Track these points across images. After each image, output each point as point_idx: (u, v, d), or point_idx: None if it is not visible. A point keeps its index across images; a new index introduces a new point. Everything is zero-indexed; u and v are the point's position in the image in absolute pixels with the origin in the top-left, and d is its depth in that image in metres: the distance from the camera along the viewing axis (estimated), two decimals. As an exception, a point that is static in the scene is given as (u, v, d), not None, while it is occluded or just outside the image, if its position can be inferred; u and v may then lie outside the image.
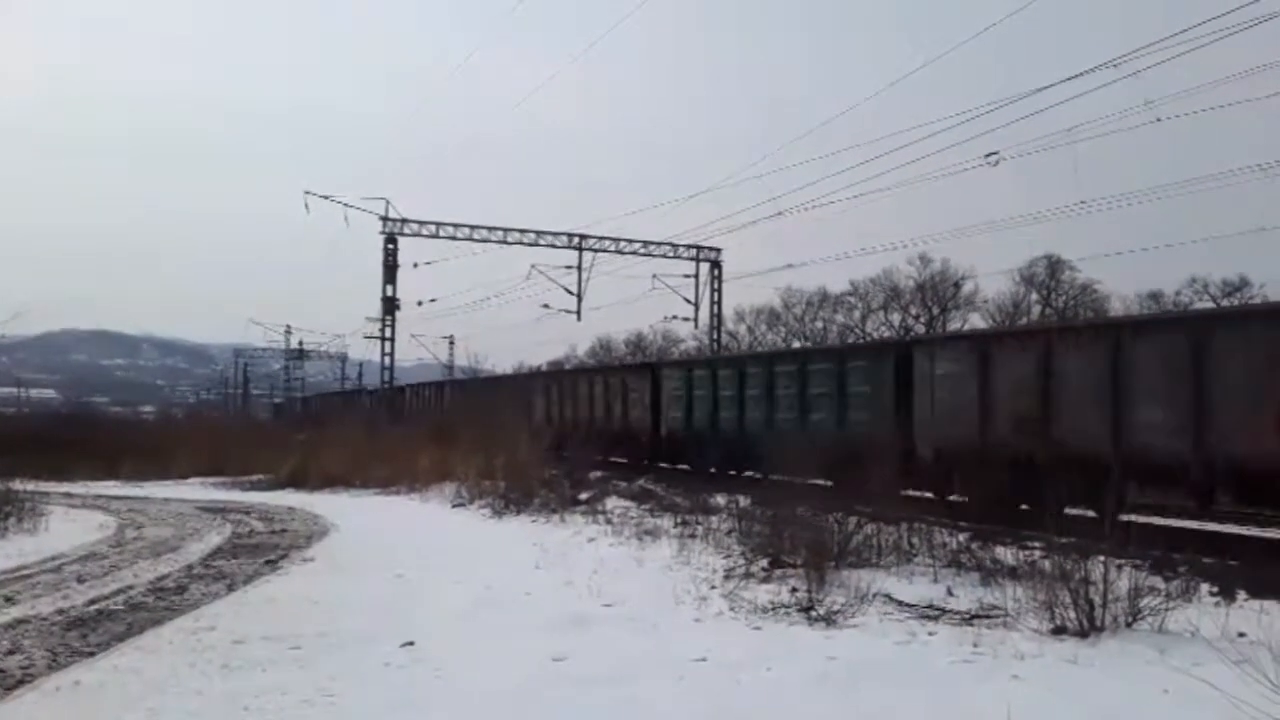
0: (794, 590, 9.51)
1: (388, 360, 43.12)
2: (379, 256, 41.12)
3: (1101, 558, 7.89)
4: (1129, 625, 7.54)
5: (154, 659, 7.99)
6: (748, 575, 10.54)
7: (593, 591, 10.04)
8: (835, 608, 8.68)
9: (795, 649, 7.57)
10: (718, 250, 43.39)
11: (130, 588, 11.51)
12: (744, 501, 15.05)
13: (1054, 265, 57.28)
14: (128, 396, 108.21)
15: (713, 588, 10.02)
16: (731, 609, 9.07)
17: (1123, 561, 8.03)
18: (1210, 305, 47.99)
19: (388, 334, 42.12)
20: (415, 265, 41.39)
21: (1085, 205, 32.62)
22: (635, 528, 14.92)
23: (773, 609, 8.93)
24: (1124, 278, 76.34)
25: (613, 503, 18.74)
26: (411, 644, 8.05)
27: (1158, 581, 8.46)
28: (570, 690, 6.62)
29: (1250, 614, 8.01)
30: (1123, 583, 7.75)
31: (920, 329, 59.17)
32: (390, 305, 41.51)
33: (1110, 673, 6.53)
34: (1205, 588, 9.23)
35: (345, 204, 40.04)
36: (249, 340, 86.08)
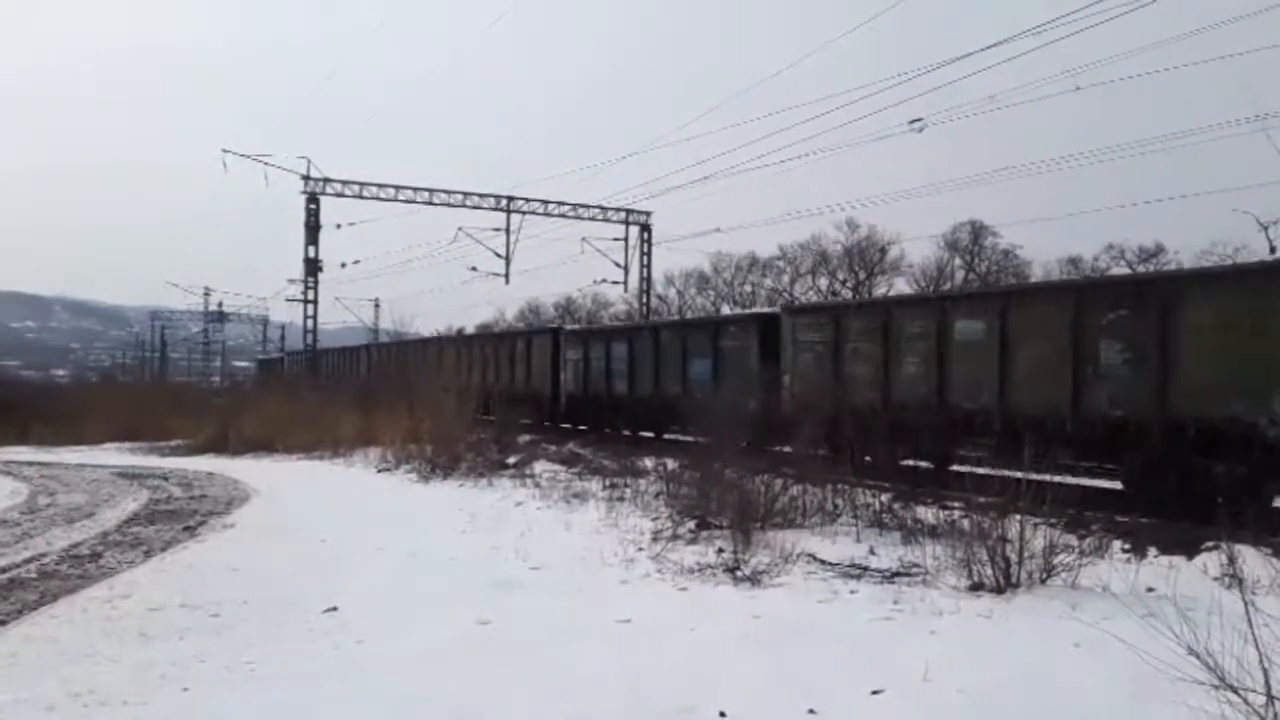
0: (720, 551, 9.58)
1: (310, 323, 42.31)
2: (301, 216, 40.28)
3: (1018, 516, 8.08)
4: (1043, 582, 7.75)
5: (68, 628, 7.82)
6: (675, 537, 10.60)
7: (519, 555, 10.03)
8: (760, 568, 8.78)
9: (720, 609, 7.64)
10: (647, 214, 43.33)
11: (43, 555, 11.22)
12: (671, 464, 15.12)
13: (977, 231, 58.30)
14: (39, 360, 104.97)
15: (640, 549, 10.06)
16: (658, 570, 9.11)
17: (1039, 520, 8.22)
18: (1127, 270, 49.24)
19: (310, 296, 41.31)
20: (339, 226, 40.57)
21: (1007, 172, 33.15)
22: (564, 491, 14.93)
23: (699, 570, 8.99)
24: (1045, 244, 77.76)
25: (541, 466, 18.71)
26: (335, 610, 7.96)
27: (1072, 539, 8.69)
28: (495, 654, 6.61)
29: (1159, 569, 8.28)
30: (1038, 541, 7.94)
31: (847, 294, 59.81)
32: (313, 267, 40.67)
33: (1024, 627, 6.70)
34: (1117, 545, 9.51)
35: (265, 162, 39.05)
36: (166, 303, 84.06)
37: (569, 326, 33.24)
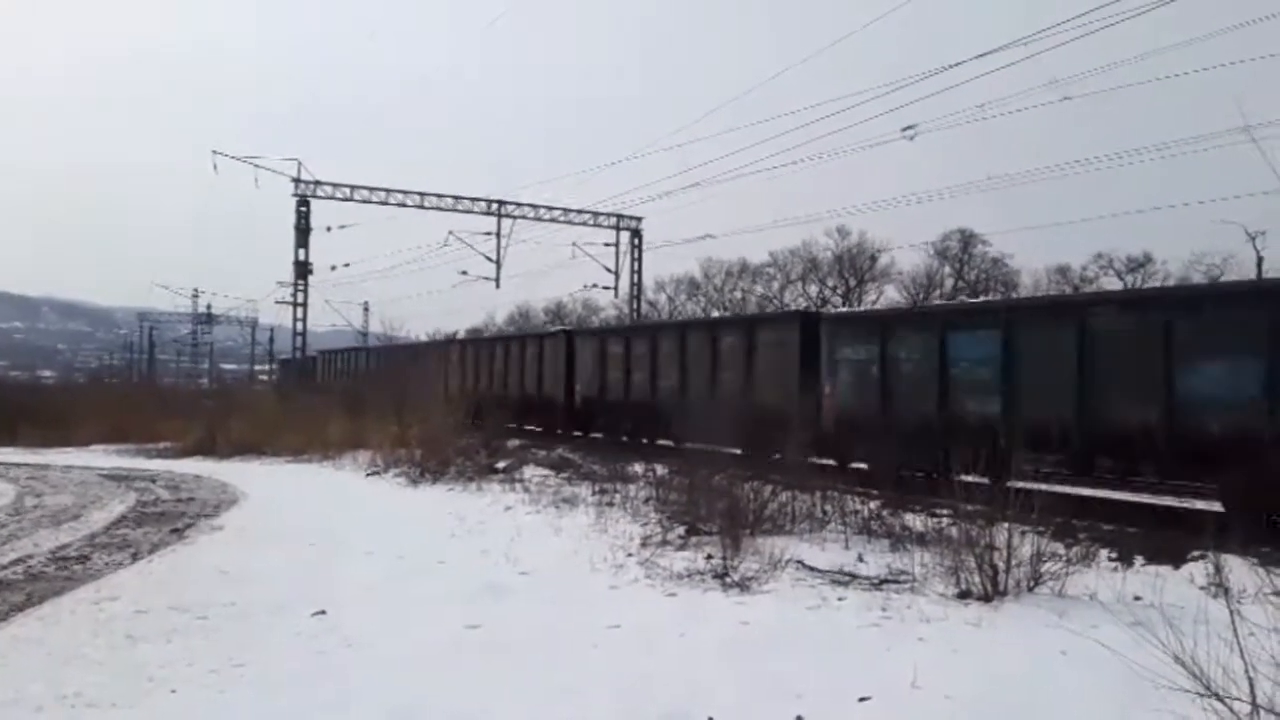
0: (709, 557, 9.59)
1: (300, 326, 42.25)
2: (291, 219, 40.25)
3: (1006, 524, 8.11)
4: (1031, 589, 7.78)
5: (55, 629, 7.80)
6: (664, 543, 10.61)
7: (509, 560, 10.02)
8: (749, 574, 8.79)
9: (709, 615, 7.66)
10: (638, 219, 43.38)
11: (30, 557, 11.18)
12: (661, 470, 15.11)
13: (967, 239, 58.43)
14: (26, 361, 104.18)
15: (629, 555, 10.07)
16: (647, 576, 9.12)
17: (1026, 528, 8.25)
18: (1115, 280, 49.53)
19: (300, 299, 41.25)
20: (329, 229, 40.57)
21: (997, 180, 33.15)
22: (553, 496, 14.91)
23: (688, 575, 9.00)
24: (1034, 252, 78.07)
25: (531, 471, 18.68)
26: (323, 613, 7.95)
27: (1059, 547, 8.72)
28: (484, 658, 6.61)
29: (1146, 578, 8.31)
30: (1025, 549, 7.98)
31: (838, 301, 59.90)
32: (303, 270, 40.66)
33: (1012, 635, 6.73)
34: (1104, 553, 9.55)
35: (256, 164, 39.06)
36: (154, 304, 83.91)
37: (836, 310, 23.96)
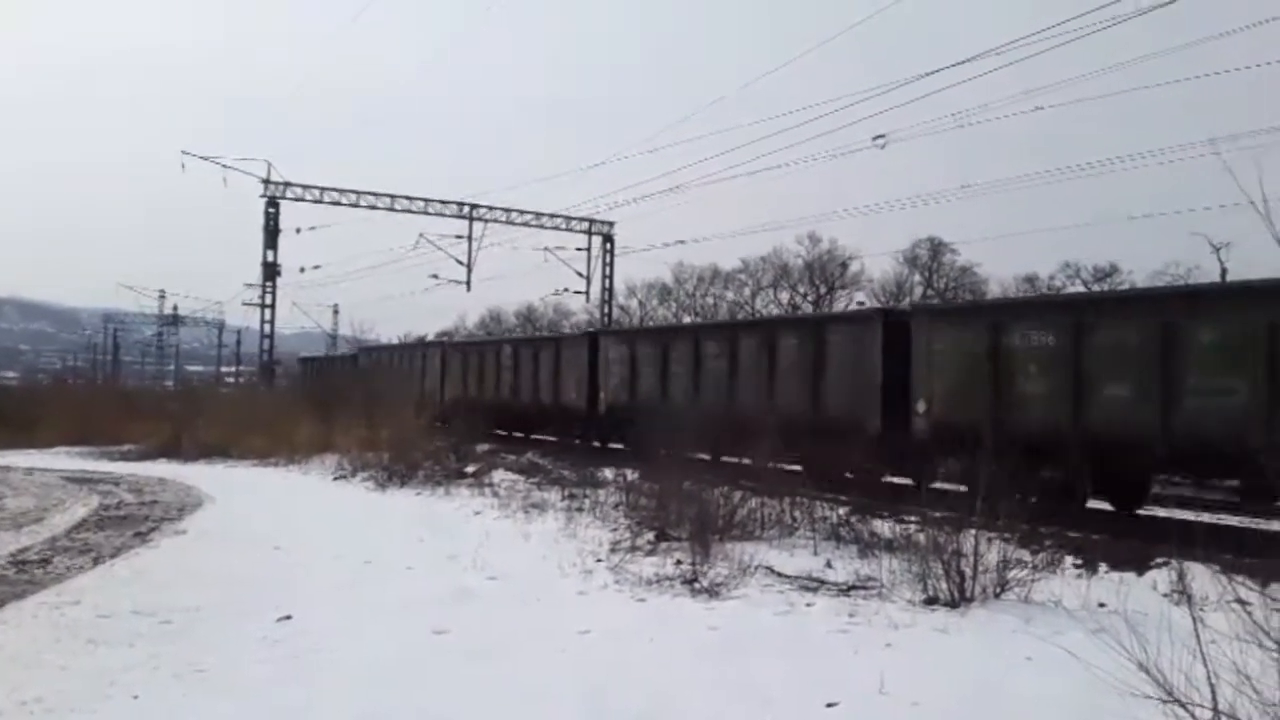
0: (679, 563, 9.60)
1: (268, 328, 41.89)
2: (259, 220, 39.88)
3: (973, 531, 8.17)
4: (997, 596, 7.84)
5: (15, 634, 7.69)
6: (634, 548, 10.60)
7: (477, 565, 9.97)
8: (718, 580, 8.80)
9: (678, 620, 7.66)
10: (610, 224, 43.33)
11: (-11, 561, 11.02)
12: (631, 475, 15.11)
13: (936, 248, 58.84)
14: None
15: (598, 560, 10.06)
16: (616, 581, 9.11)
17: (993, 535, 8.32)
18: (1082, 289, 50.04)
19: (268, 301, 40.87)
20: (298, 230, 40.18)
21: (967, 190, 33.45)
22: (522, 501, 14.87)
23: (657, 581, 9.00)
24: (1002, 261, 78.75)
25: (500, 476, 18.63)
26: (289, 618, 7.89)
27: (1025, 554, 8.80)
28: (452, 663, 6.57)
29: (1110, 585, 8.40)
30: (992, 555, 8.04)
31: (808, 307, 60.15)
32: (271, 271, 40.25)
33: (978, 642, 6.78)
34: (1069, 560, 9.64)
35: (224, 164, 38.63)
36: (120, 305, 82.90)
37: None
